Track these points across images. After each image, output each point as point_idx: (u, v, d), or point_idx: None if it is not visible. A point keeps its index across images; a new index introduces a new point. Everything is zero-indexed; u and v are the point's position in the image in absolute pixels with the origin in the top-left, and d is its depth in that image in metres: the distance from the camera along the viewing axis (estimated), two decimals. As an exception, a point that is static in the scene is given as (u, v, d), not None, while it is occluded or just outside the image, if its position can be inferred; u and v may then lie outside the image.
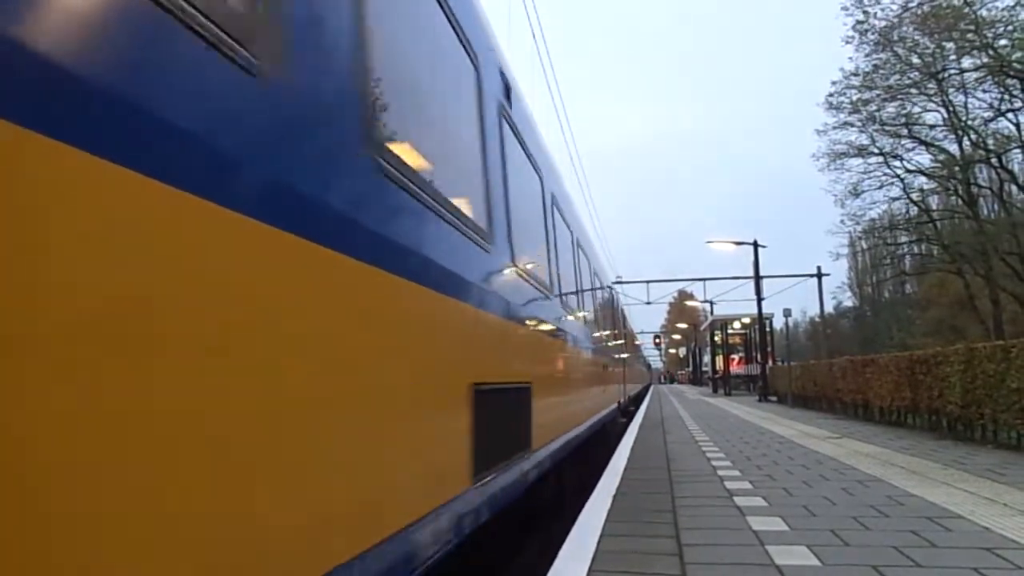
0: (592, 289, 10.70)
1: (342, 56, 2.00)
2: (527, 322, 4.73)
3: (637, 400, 27.02)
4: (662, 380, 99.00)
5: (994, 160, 29.93)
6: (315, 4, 1.85)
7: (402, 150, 2.43)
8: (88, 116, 1.06)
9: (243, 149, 1.49)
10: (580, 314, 8.35)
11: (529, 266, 4.96)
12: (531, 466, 4.60)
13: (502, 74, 4.67)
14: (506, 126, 4.75)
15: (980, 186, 33.85)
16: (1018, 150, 30.48)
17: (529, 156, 5.58)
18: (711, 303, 45.33)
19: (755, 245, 29.32)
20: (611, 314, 15.39)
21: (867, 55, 29.48)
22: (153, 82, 1.23)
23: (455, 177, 3.26)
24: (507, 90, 4.80)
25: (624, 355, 18.77)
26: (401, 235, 2.37)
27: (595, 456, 9.68)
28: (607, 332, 13.55)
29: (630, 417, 18.38)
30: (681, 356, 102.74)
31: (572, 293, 7.80)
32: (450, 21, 3.33)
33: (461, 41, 3.57)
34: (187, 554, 1.27)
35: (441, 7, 3.21)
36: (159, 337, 1.23)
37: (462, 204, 3.20)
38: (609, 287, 16.33)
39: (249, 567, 1.44)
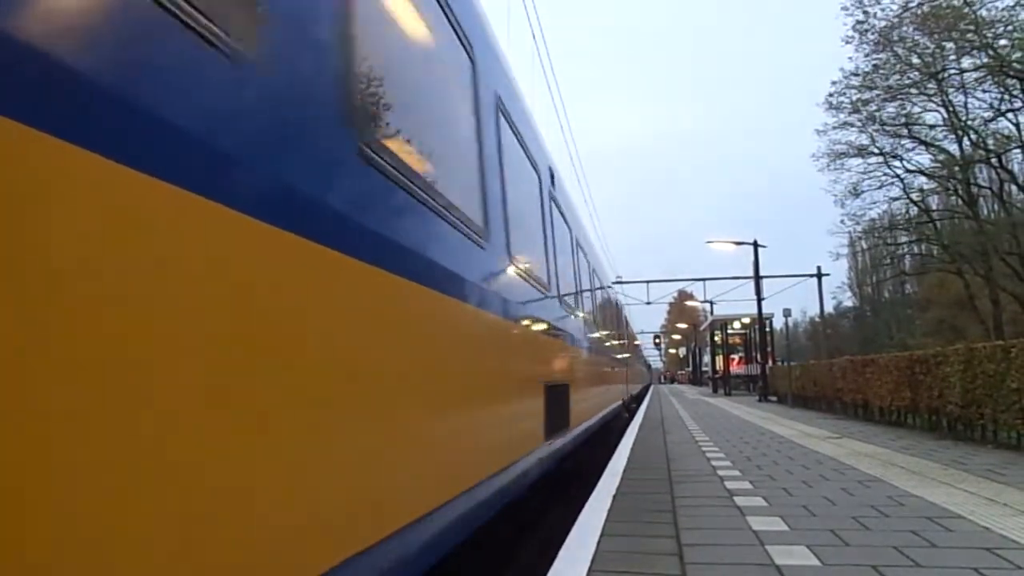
0: (605, 305, 13.46)
1: (326, 45, 1.96)
2: (565, 339, 6.75)
3: (639, 398, 28.56)
4: (662, 380, 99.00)
5: (994, 160, 29.93)
6: None
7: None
8: (81, 112, 1.06)
9: (229, 142, 1.47)
10: (598, 332, 11.02)
11: (568, 299, 7.39)
12: (571, 438, 6.84)
13: (499, 64, 4.62)
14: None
15: (980, 186, 33.85)
16: (1018, 150, 30.50)
17: (565, 218, 7.53)
18: (711, 303, 45.35)
19: (755, 245, 29.32)
20: (617, 323, 17.70)
21: (867, 55, 29.52)
22: (144, 75, 1.23)
23: (531, 248, 5.16)
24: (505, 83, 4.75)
25: (628, 360, 20.71)
26: (513, 292, 4.16)
27: (605, 440, 11.83)
28: (616, 342, 15.92)
29: (632, 413, 19.96)
30: (681, 356, 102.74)
31: (591, 313, 10.29)
32: (443, 10, 3.29)
33: (456, 32, 3.53)
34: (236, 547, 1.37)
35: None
36: (187, 335, 1.25)
37: (535, 266, 5.23)
38: (617, 302, 20.36)
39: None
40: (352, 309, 1.95)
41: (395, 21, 2.66)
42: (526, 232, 5.17)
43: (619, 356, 16.63)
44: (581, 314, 8.59)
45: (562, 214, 7.67)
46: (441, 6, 3.24)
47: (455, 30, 3.48)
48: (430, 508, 2.53)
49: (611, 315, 15.50)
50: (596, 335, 10.65)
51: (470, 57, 3.82)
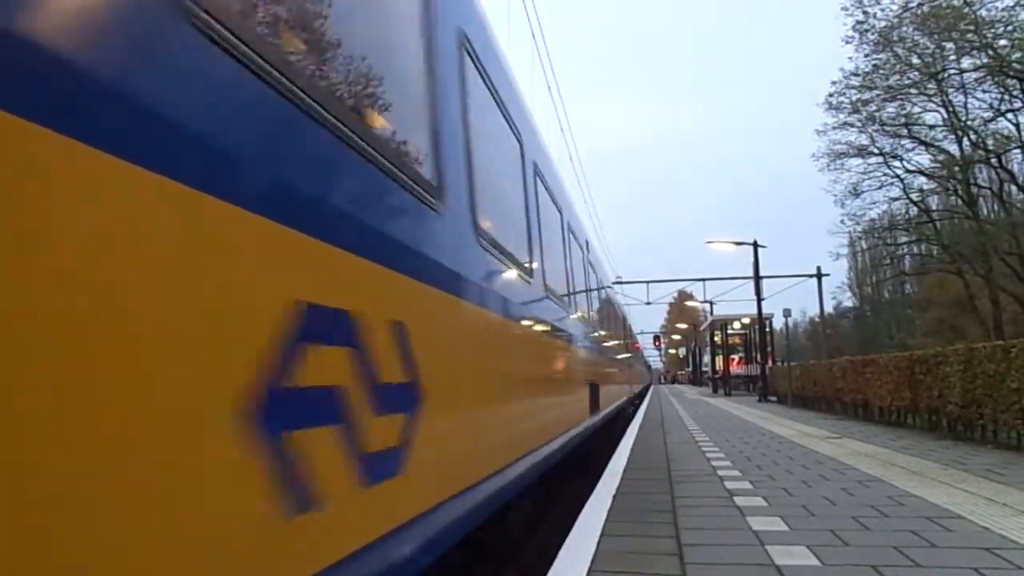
0: (615, 319, 16.58)
1: None
2: (594, 349, 10.09)
3: (641, 395, 31.99)
4: (662, 380, 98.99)
5: (994, 160, 29.94)
6: None
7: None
8: (85, 108, 1.06)
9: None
10: (611, 343, 14.34)
11: (600, 330, 10.93)
12: (600, 417, 10.19)
13: None
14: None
15: (980, 186, 33.85)
16: (1018, 150, 30.52)
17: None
18: (711, 303, 45.35)
19: (755, 245, 29.32)
20: (625, 334, 20.97)
21: (867, 55, 29.52)
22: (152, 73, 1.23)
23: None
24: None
25: (632, 363, 23.96)
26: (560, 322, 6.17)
27: (615, 428, 14.95)
28: (623, 350, 19.19)
29: (635, 407, 23.39)
30: (681, 356, 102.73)
31: (612, 335, 14.25)
32: None
33: None
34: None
35: None
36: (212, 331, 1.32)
37: (587, 313, 8.95)
38: (625, 317, 22.50)
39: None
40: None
41: None
42: (584, 291, 9.32)
43: (626, 362, 20.23)
44: (606, 337, 12.98)
45: (595, 270, 11.12)
46: None
47: None
48: (581, 420, 7.64)
49: (622, 329, 19.98)
50: (614, 350, 15.41)
51: None
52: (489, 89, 4.22)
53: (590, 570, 3.76)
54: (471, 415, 3.20)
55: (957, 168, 30.72)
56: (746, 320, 41.58)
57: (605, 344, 12.71)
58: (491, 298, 3.69)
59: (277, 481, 1.53)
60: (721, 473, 7.45)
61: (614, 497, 6.01)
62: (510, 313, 4.15)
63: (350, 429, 1.81)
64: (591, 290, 10.89)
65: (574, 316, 7.81)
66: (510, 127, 4.95)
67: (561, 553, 4.15)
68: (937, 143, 31.61)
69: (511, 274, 4.32)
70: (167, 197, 1.23)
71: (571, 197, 9.53)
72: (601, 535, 4.57)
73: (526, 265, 4.96)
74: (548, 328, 5.73)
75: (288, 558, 1.54)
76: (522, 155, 5.39)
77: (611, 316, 15.65)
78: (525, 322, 4.73)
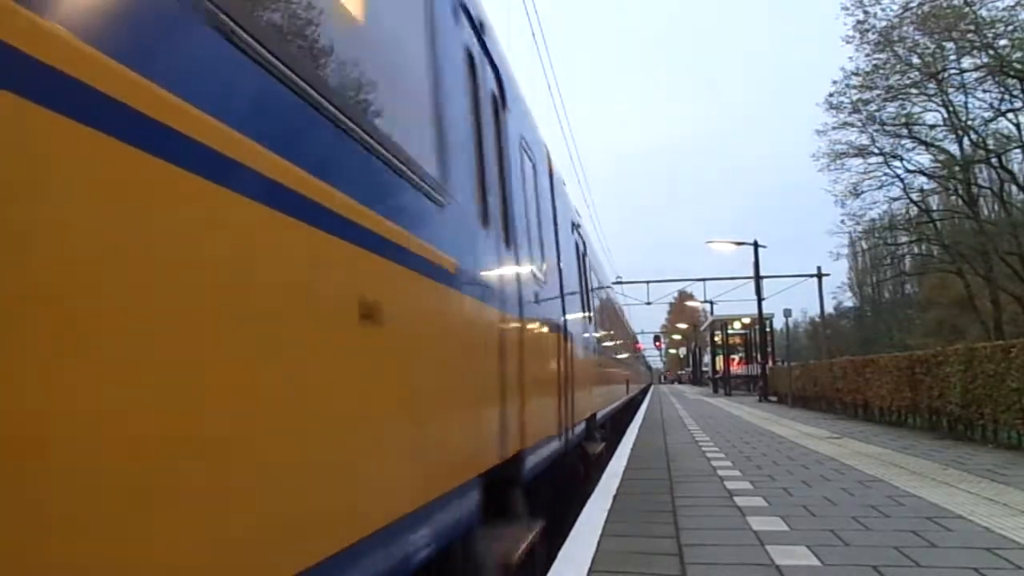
0: (626, 334, 19.50)
1: None
2: (620, 366, 15.82)
3: (643, 393, 33.93)
4: (663, 380, 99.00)
5: (994, 160, 29.90)
6: None
7: None
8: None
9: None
10: (623, 353, 17.21)
11: (611, 334, 13.25)
12: (626, 398, 17.64)
13: None
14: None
15: (980, 186, 33.80)
16: (1018, 150, 30.47)
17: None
18: (711, 303, 45.36)
19: (755, 245, 29.32)
20: (627, 336, 23.01)
21: (867, 55, 29.46)
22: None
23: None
24: None
25: (635, 364, 26.38)
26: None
27: (626, 414, 17.95)
28: (629, 353, 21.98)
29: (637, 404, 25.29)
30: (681, 356, 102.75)
31: (616, 340, 15.83)
32: None
33: None
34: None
35: None
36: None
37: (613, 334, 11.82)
38: (630, 328, 25.89)
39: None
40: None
41: None
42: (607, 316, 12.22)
43: (630, 364, 22.39)
44: (622, 347, 16.93)
45: (618, 310, 15.57)
46: None
47: None
48: (620, 399, 14.71)
49: (627, 336, 22.51)
50: (627, 359, 19.75)
51: None
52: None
53: (591, 570, 3.76)
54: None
55: (957, 168, 30.69)
56: (746, 320, 41.61)
57: (628, 361, 13.84)
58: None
59: (290, 474, 1.53)
60: (721, 473, 7.45)
61: (614, 497, 6.01)
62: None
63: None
64: (625, 327, 11.31)
65: (625, 354, 8.12)
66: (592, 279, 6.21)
67: (561, 553, 4.15)
68: (937, 143, 31.59)
69: (609, 341, 5.46)
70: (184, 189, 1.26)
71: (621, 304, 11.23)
72: (602, 535, 4.58)
73: (610, 335, 6.20)
74: (619, 360, 6.68)
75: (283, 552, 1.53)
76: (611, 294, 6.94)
77: (627, 336, 16.63)
78: (613, 359, 5.68)
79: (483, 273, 3.41)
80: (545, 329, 5.28)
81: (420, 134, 2.67)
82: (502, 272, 3.89)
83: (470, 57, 3.65)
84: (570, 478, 7.22)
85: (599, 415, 10.23)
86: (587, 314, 9.29)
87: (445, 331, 2.78)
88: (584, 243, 10.18)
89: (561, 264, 6.71)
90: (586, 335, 8.86)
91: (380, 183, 2.18)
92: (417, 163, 2.48)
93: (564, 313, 6.50)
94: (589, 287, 10.13)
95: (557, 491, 6.31)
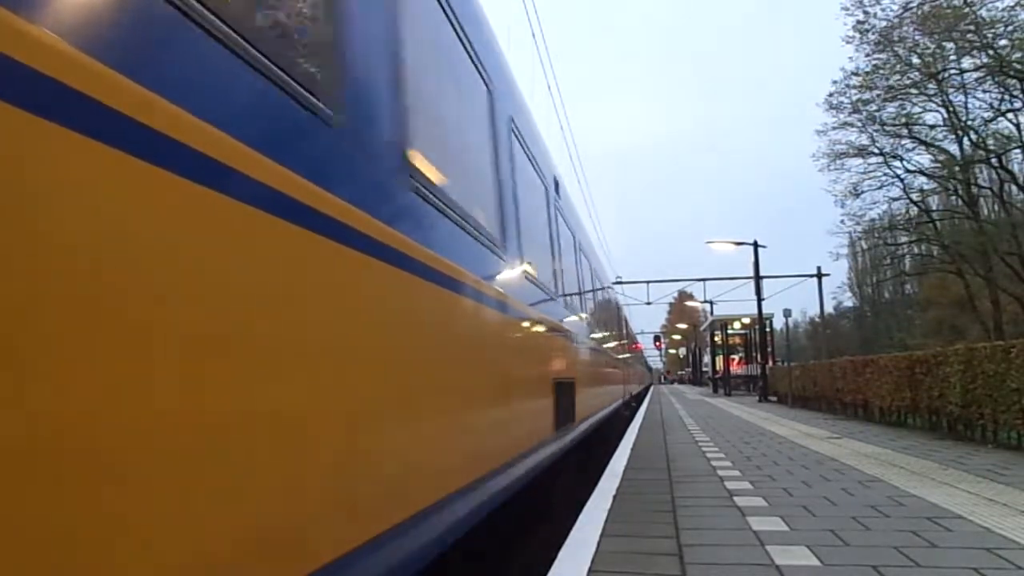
0: (628, 334, 20.02)
1: None
2: (623, 367, 17.31)
3: (644, 392, 35.40)
4: (662, 380, 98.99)
5: (994, 160, 29.92)
6: None
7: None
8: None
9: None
10: (625, 355, 17.73)
11: (623, 345, 16.53)
12: (628, 397, 18.92)
13: None
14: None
15: (980, 186, 33.82)
16: (1018, 150, 30.48)
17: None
18: (711, 303, 45.32)
19: (755, 245, 29.31)
20: (629, 337, 24.15)
21: (867, 55, 29.52)
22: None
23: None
24: None
25: (633, 364, 25.94)
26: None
27: (628, 405, 19.34)
28: (630, 355, 23.18)
29: (639, 401, 27.13)
30: (681, 356, 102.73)
31: (626, 346, 17.39)
32: None
33: None
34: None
35: None
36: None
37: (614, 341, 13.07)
38: (630, 329, 26.01)
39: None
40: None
41: None
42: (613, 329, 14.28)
43: (630, 364, 23.04)
44: (625, 348, 17.19)
45: (623, 318, 17.49)
46: None
47: None
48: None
49: (628, 337, 23.66)
50: (629, 360, 20.93)
51: None
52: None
53: (590, 570, 3.76)
54: None
55: (957, 168, 30.72)
56: (746, 320, 41.55)
57: (630, 362, 14.28)
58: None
59: (287, 475, 1.53)
60: (721, 473, 7.44)
61: (614, 497, 6.01)
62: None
63: None
64: (628, 329, 10.87)
65: (628, 356, 7.48)
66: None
67: (561, 553, 4.15)
68: (937, 143, 31.63)
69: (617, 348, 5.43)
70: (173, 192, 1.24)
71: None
72: (601, 535, 4.57)
73: (618, 342, 6.02)
74: (622, 362, 6.34)
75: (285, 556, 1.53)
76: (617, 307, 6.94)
77: (628, 337, 16.61)
78: (623, 357, 5.45)
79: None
80: (633, 371, 8.72)
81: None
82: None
83: None
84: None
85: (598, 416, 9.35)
86: (633, 358, 15.80)
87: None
88: (590, 262, 11.05)
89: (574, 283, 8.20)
90: (634, 366, 13.34)
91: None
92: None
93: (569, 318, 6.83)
94: (589, 290, 9.73)
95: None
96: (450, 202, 3.05)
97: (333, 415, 1.85)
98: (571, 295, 7.71)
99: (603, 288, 13.62)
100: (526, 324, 4.79)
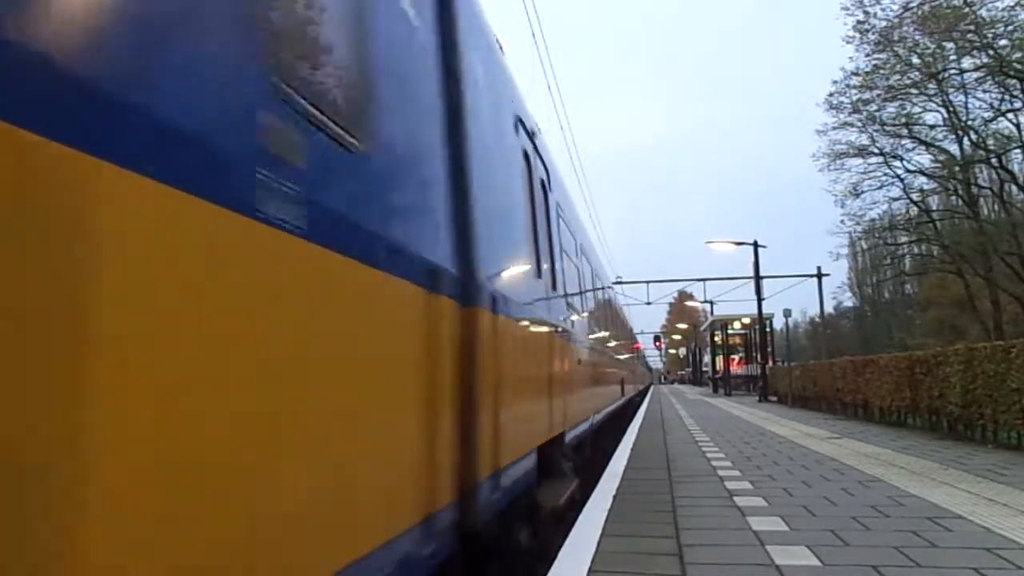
0: (629, 337, 21.46)
1: None
2: (624, 367, 18.04)
3: (643, 393, 35.08)
4: (662, 380, 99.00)
5: (994, 160, 29.90)
6: None
7: None
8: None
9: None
10: (626, 355, 18.95)
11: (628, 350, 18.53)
12: (626, 398, 17.92)
13: None
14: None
15: (980, 186, 33.79)
16: (1018, 150, 30.45)
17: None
18: (711, 303, 45.36)
19: (755, 245, 29.31)
20: (631, 340, 25.94)
21: (867, 55, 29.47)
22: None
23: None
24: None
25: (633, 365, 25.69)
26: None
27: (630, 403, 20.46)
28: (638, 366, 24.49)
29: (641, 398, 28.59)
30: (681, 356, 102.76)
31: (627, 348, 18.47)
32: None
33: None
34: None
35: None
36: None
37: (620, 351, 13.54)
38: (631, 328, 27.10)
39: None
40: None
41: None
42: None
43: (631, 366, 23.09)
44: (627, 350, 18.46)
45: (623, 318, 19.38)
46: None
47: None
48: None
49: (630, 340, 24.93)
50: (630, 360, 21.48)
51: None
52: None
53: (590, 570, 3.76)
54: None
55: (957, 168, 30.70)
56: (746, 320, 41.60)
57: (631, 364, 14.60)
58: None
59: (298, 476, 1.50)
60: (721, 473, 7.44)
61: (614, 497, 6.01)
62: None
63: None
64: (628, 329, 10.37)
65: (630, 356, 6.86)
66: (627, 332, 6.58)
67: (561, 553, 4.15)
68: (937, 143, 31.59)
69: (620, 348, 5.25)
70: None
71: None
72: (601, 535, 4.57)
73: (621, 344, 5.87)
74: (624, 363, 6.13)
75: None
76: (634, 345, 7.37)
77: (629, 339, 16.92)
78: (621, 362, 5.23)
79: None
80: (634, 373, 6.53)
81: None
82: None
83: None
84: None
85: (569, 435, 6.38)
86: (637, 360, 14.53)
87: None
88: (592, 266, 9.71)
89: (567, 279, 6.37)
90: (634, 368, 11.09)
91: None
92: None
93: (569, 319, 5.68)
94: (588, 290, 8.90)
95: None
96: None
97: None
98: (572, 296, 7.26)
99: (603, 288, 12.90)
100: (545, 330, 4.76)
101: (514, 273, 4.20)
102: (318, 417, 1.73)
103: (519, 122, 5.19)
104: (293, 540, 1.59)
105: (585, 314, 8.96)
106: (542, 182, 6.03)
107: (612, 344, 14.37)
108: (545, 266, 5.54)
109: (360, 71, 2.19)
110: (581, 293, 8.67)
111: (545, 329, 5.24)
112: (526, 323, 4.44)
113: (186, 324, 1.26)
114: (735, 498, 5.93)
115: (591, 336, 9.51)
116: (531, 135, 5.63)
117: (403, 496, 2.29)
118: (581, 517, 5.23)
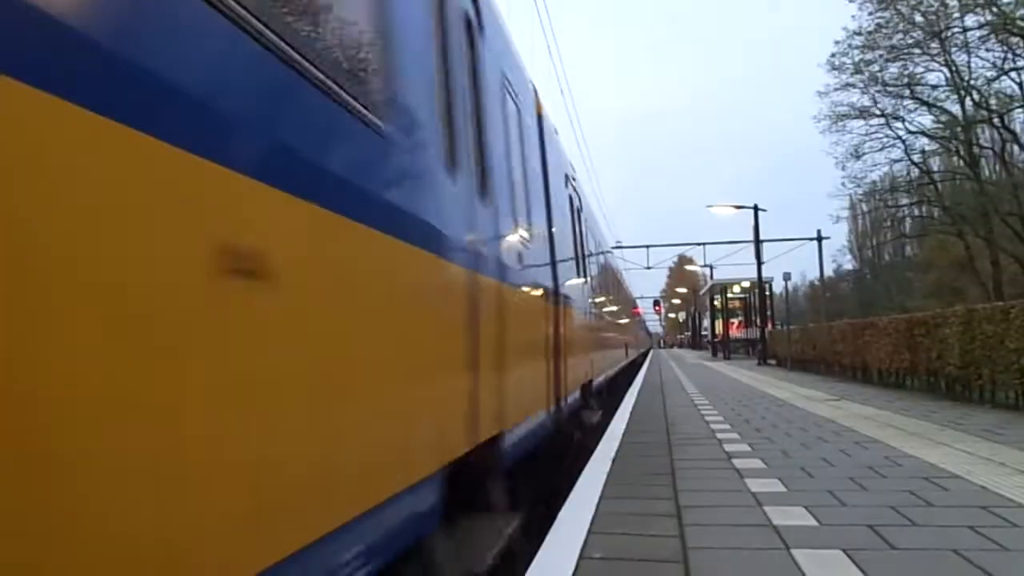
0: (631, 300, 25.10)
1: None
2: (629, 331, 23.66)
3: (645, 355, 39.03)
4: (662, 344, 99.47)
5: (996, 120, 29.66)
6: None
7: None
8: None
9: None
10: (622, 318, 19.43)
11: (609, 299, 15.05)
12: (629, 359, 22.19)
13: None
14: None
15: (982, 147, 33.54)
16: (1020, 110, 30.20)
17: None
18: (711, 267, 45.32)
19: (755, 209, 29.17)
20: (629, 304, 27.54)
21: (870, 13, 29.04)
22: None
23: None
24: None
25: (634, 330, 29.27)
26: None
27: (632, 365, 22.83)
28: (628, 318, 24.75)
29: (639, 365, 28.95)
30: (681, 320, 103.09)
31: (615, 305, 16.67)
32: None
33: None
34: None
35: None
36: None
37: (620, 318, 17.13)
38: (634, 300, 31.38)
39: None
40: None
41: None
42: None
43: (632, 330, 26.23)
44: (621, 312, 18.62)
45: (617, 273, 18.94)
46: None
47: None
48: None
49: (630, 307, 27.70)
50: (633, 327, 25.25)
51: None
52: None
53: (589, 531, 3.79)
54: None
55: (959, 128, 30.43)
56: (746, 284, 41.59)
57: (632, 329, 15.52)
58: None
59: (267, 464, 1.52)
60: (720, 436, 7.49)
61: (613, 460, 6.05)
62: None
63: None
64: (628, 295, 11.07)
65: (633, 321, 7.96)
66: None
67: (561, 515, 4.18)
68: (940, 103, 31.25)
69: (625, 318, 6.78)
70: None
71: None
72: (600, 497, 4.60)
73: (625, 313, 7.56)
74: (627, 329, 7.93)
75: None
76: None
77: (630, 306, 17.64)
78: (622, 327, 6.89)
79: (449, 230, 2.91)
80: (535, 295, 5.07)
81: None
82: (477, 232, 3.41)
83: None
84: (565, 450, 6.88)
85: (596, 381, 10.00)
86: (584, 279, 8.74)
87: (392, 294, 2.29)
88: (580, 199, 9.40)
89: (553, 225, 6.34)
90: (581, 300, 8.44)
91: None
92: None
93: (556, 278, 6.15)
94: (585, 250, 9.28)
95: (552, 464, 6.14)
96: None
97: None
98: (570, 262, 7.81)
99: (612, 270, 17.62)
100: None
101: (571, 283, 7.23)
102: (512, 352, 4.04)
103: (567, 177, 8.05)
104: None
105: (603, 298, 12.92)
106: (577, 210, 8.90)
107: (622, 321, 19.77)
108: (583, 273, 8.84)
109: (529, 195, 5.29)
110: (602, 284, 12.74)
111: (585, 315, 8.77)
112: (578, 312, 7.72)
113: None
114: (733, 460, 5.97)
115: (608, 314, 14.11)
116: (571, 179, 8.58)
117: (541, 396, 5.28)
118: (580, 479, 5.27)
